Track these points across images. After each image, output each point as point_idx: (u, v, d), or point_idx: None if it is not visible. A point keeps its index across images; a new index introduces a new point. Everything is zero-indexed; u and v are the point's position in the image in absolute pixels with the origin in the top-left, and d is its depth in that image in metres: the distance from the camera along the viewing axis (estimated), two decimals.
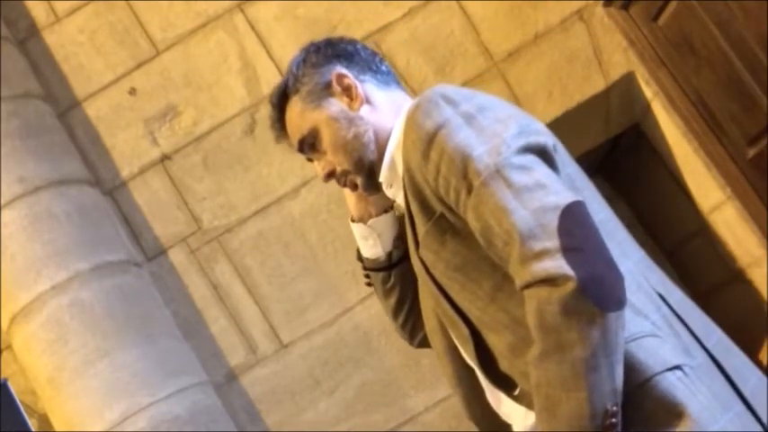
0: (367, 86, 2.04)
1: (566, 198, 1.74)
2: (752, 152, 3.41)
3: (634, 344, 1.77)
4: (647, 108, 3.80)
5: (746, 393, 1.85)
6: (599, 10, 3.70)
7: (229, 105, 3.76)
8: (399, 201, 2.04)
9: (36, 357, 3.46)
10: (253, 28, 3.78)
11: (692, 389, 1.76)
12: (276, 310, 3.69)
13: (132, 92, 3.79)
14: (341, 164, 2.03)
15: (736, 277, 3.83)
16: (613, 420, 1.70)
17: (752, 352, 4.00)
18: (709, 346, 1.86)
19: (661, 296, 1.88)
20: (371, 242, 2.16)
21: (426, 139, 1.85)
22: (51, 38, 3.82)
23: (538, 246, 1.71)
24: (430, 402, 3.63)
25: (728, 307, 4.13)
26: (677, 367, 1.77)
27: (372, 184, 2.05)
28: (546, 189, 1.75)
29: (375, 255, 2.17)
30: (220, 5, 3.79)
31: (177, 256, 3.72)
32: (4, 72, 3.62)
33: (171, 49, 3.80)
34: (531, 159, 1.80)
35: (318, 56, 2.07)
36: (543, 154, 1.83)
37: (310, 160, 2.11)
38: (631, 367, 1.75)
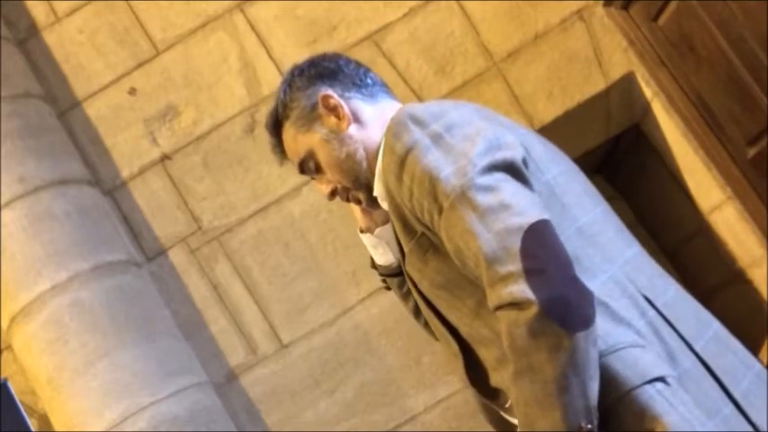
0: (353, 103, 2.06)
1: (529, 218, 1.74)
2: (752, 152, 3.41)
3: (614, 356, 1.78)
4: (647, 108, 3.80)
5: (737, 394, 1.84)
6: (599, 10, 3.70)
7: (229, 105, 3.77)
8: None
9: (36, 357, 3.46)
10: (253, 28, 3.78)
11: (672, 401, 1.76)
12: (276, 310, 3.69)
13: (132, 92, 3.79)
14: (340, 182, 2.06)
15: (736, 277, 3.83)
16: None
17: (752, 352, 4.00)
18: (698, 347, 1.86)
19: (648, 299, 1.87)
20: (381, 250, 2.19)
21: (398, 162, 1.87)
22: (51, 38, 3.82)
23: (502, 270, 1.72)
24: (430, 402, 3.63)
25: (728, 307, 4.12)
26: (658, 379, 1.77)
27: (374, 199, 2.07)
28: (510, 209, 1.76)
29: (387, 262, 2.20)
30: (220, 5, 3.79)
31: (177, 256, 3.72)
32: (4, 72, 3.62)
33: (171, 49, 3.80)
34: (498, 178, 1.80)
35: (302, 79, 2.11)
36: (511, 169, 1.82)
37: (313, 178, 2.14)
38: (610, 380, 1.76)
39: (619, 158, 4.43)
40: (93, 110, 3.80)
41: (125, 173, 3.77)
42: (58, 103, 3.79)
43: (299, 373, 3.66)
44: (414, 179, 1.84)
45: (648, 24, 3.58)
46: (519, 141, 1.90)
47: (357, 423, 3.63)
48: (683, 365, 1.82)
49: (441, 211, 1.82)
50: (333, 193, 2.09)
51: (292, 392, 3.65)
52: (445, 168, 1.82)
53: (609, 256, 1.88)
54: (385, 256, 2.18)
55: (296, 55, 3.73)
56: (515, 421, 1.99)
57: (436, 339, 2.25)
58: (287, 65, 3.74)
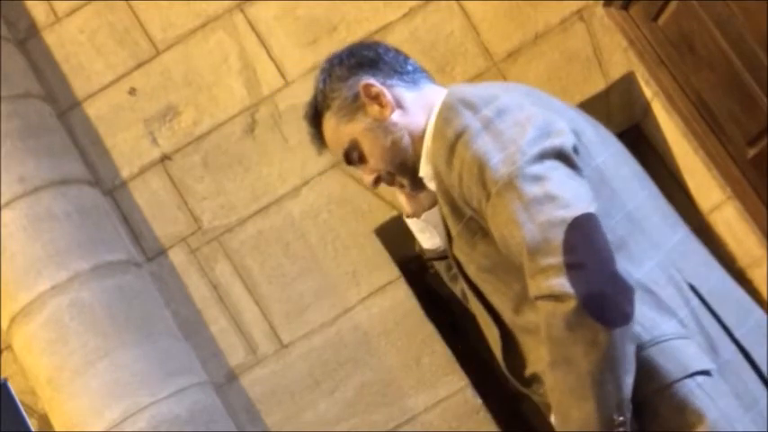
0: (395, 90, 2.06)
1: (574, 211, 1.75)
2: (752, 152, 3.41)
3: (656, 348, 1.79)
4: (647, 108, 3.80)
5: None
6: (599, 10, 3.70)
7: (229, 105, 3.76)
8: None
9: (36, 357, 3.46)
10: (253, 28, 3.78)
11: (713, 395, 1.77)
12: (276, 310, 3.69)
13: (132, 92, 3.79)
14: (385, 169, 2.07)
15: (736, 277, 3.81)
16: (621, 430, 1.72)
17: None
18: (739, 335, 1.86)
19: (693, 287, 1.88)
20: (428, 234, 2.19)
21: (448, 147, 1.88)
22: (51, 38, 3.82)
23: (543, 261, 1.73)
24: (430, 402, 3.63)
25: None
26: (699, 373, 1.78)
27: (418, 183, 2.07)
28: (555, 201, 1.76)
29: (434, 245, 2.20)
30: (220, 5, 3.79)
31: (177, 256, 3.72)
32: (4, 72, 3.61)
33: (171, 49, 3.80)
34: (547, 165, 1.81)
35: (342, 68, 2.08)
36: (561, 157, 1.83)
37: (356, 167, 2.13)
38: (651, 372, 1.78)
39: None
40: (93, 110, 3.80)
41: (125, 173, 3.77)
42: (58, 103, 3.79)
43: (299, 373, 3.66)
44: (464, 164, 1.85)
45: (648, 24, 3.57)
46: (570, 127, 1.90)
47: (357, 423, 3.63)
48: (723, 356, 1.83)
49: (488, 197, 1.82)
50: (377, 181, 2.09)
51: (292, 392, 3.65)
52: (495, 155, 1.82)
53: (656, 243, 1.89)
54: (432, 240, 2.19)
55: (296, 55, 3.74)
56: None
57: None
58: (287, 65, 3.76)
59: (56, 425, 3.49)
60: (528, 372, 1.98)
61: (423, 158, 2.01)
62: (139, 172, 3.77)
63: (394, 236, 3.75)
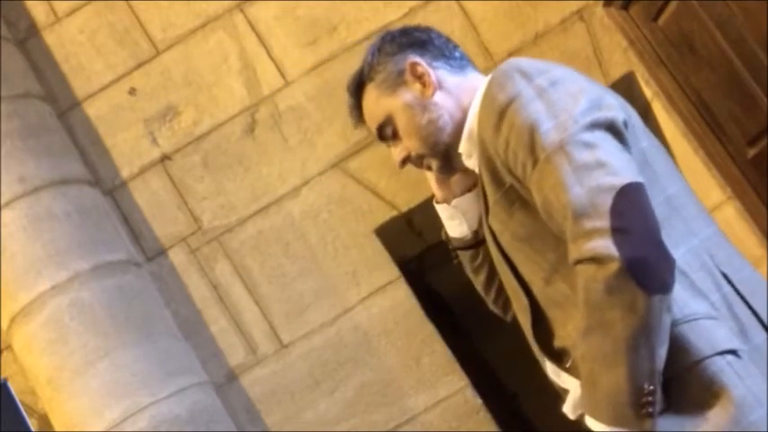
0: (440, 73, 2.08)
1: (623, 179, 1.76)
2: (752, 152, 3.41)
3: (687, 325, 1.80)
4: (647, 108, 3.80)
5: None
6: (599, 10, 3.70)
7: (229, 105, 3.77)
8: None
9: (36, 357, 3.46)
10: (253, 28, 3.78)
11: (741, 373, 1.78)
12: (276, 310, 3.69)
13: (132, 92, 3.79)
14: (416, 149, 2.08)
15: None
16: (650, 399, 1.73)
17: None
18: None
19: (725, 275, 1.90)
20: (457, 222, 2.20)
21: (498, 112, 1.89)
22: (51, 38, 3.82)
23: (589, 224, 1.74)
24: (430, 402, 3.63)
25: None
26: (728, 352, 1.80)
27: (448, 166, 2.10)
28: (605, 168, 1.78)
29: (461, 233, 2.21)
30: (220, 5, 3.79)
31: (177, 256, 3.72)
32: (4, 72, 3.62)
33: (171, 49, 3.80)
34: (598, 136, 1.82)
35: (393, 45, 2.11)
36: (612, 129, 1.85)
37: (388, 146, 2.15)
38: (682, 348, 1.79)
39: None
40: (93, 110, 3.80)
41: (125, 173, 3.77)
42: (58, 103, 3.79)
43: (299, 373, 3.66)
44: (512, 129, 1.87)
45: (648, 24, 3.58)
46: (620, 104, 1.93)
47: (357, 423, 3.63)
48: (754, 341, 1.85)
49: (536, 162, 1.83)
50: (405, 161, 2.11)
51: (292, 392, 3.66)
52: (546, 122, 1.84)
53: (692, 229, 1.92)
54: (460, 228, 2.20)
55: (296, 55, 3.74)
56: (570, 384, 2.00)
57: (504, 316, 2.26)
58: (287, 65, 3.76)
59: (56, 425, 3.49)
60: (556, 345, 1.99)
61: (464, 135, 2.03)
62: (139, 172, 3.77)
63: (394, 236, 3.76)
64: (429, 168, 2.12)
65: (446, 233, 2.25)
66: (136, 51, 3.80)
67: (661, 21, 3.51)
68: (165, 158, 3.76)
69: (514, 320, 2.22)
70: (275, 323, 3.68)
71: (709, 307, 1.84)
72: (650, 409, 1.74)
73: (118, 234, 3.65)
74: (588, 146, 1.81)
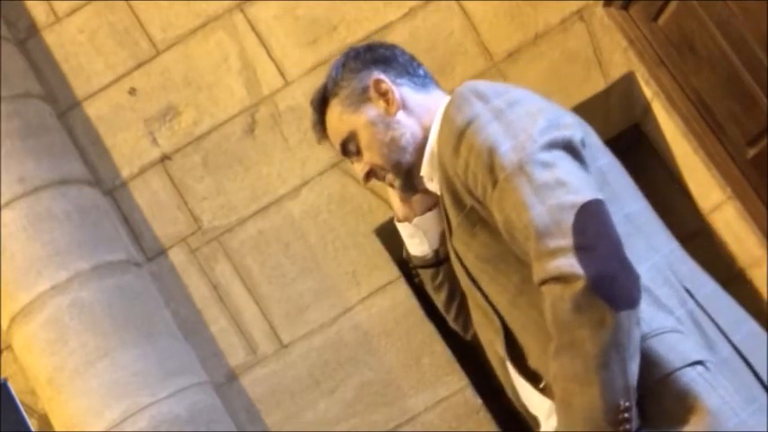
0: (404, 90, 2.09)
1: (583, 196, 1.76)
2: (752, 152, 3.41)
3: (656, 339, 1.80)
4: (647, 108, 3.80)
5: None
6: (599, 10, 3.70)
7: (229, 105, 3.77)
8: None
9: (36, 357, 3.46)
10: (253, 28, 3.78)
11: (713, 383, 1.78)
12: (276, 310, 3.69)
13: (132, 92, 3.79)
14: (379, 164, 2.09)
15: (736, 277, 3.83)
16: (626, 416, 1.72)
17: None
18: (735, 339, 1.87)
19: (688, 291, 1.90)
20: (418, 240, 2.20)
21: (457, 134, 1.89)
22: (51, 38, 3.82)
23: (552, 243, 1.73)
24: (430, 402, 3.63)
25: None
26: (698, 363, 1.79)
27: (410, 185, 2.10)
28: (565, 187, 1.77)
29: (422, 252, 2.21)
30: (220, 5, 3.79)
31: (177, 256, 3.72)
32: (4, 72, 3.61)
33: (171, 49, 3.80)
34: (556, 155, 1.82)
35: (357, 61, 2.13)
36: (570, 149, 1.85)
37: (351, 162, 2.16)
38: (652, 362, 1.78)
39: (619, 158, 4.42)
40: (93, 110, 3.80)
41: (125, 173, 3.77)
42: (58, 103, 3.79)
43: (299, 373, 3.66)
44: (471, 151, 1.86)
45: (648, 24, 3.57)
46: (578, 123, 1.94)
47: (357, 423, 3.63)
48: (721, 354, 1.84)
49: (495, 183, 1.83)
50: (368, 175, 2.12)
51: (292, 392, 3.65)
52: (505, 143, 1.84)
53: (653, 245, 1.92)
54: (421, 246, 2.20)
55: (296, 55, 3.74)
56: (540, 412, 2.00)
57: (464, 334, 2.25)
58: (287, 65, 3.76)
59: (56, 425, 3.49)
60: (528, 364, 1.98)
61: (425, 158, 2.03)
62: (139, 172, 3.77)
63: (394, 236, 3.74)
64: (392, 186, 2.12)
65: (407, 251, 2.25)
66: (136, 51, 3.80)
67: (661, 21, 3.51)
68: (165, 158, 3.76)
69: (474, 337, 2.22)
70: (275, 323, 3.68)
71: (675, 321, 1.83)
72: (627, 426, 1.73)
73: (118, 234, 3.65)
74: (547, 165, 1.80)
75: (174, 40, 3.80)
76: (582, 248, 1.70)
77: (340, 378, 3.66)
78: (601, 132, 4.20)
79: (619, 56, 3.70)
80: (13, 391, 3.37)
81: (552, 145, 1.83)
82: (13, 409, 3.33)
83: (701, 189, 3.78)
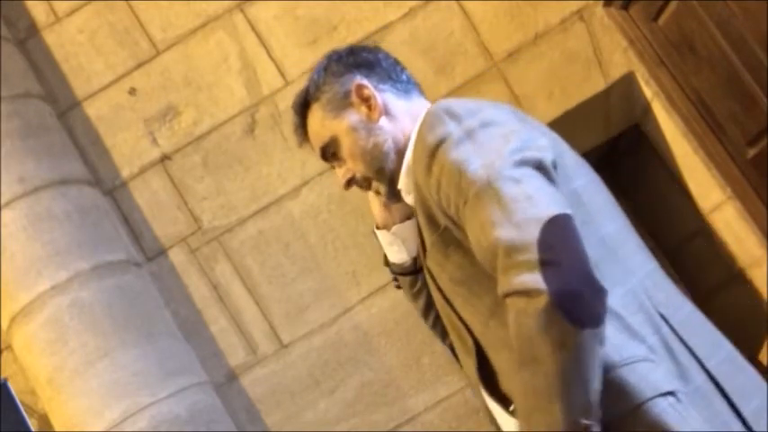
0: (386, 96, 2.07)
1: (550, 211, 1.73)
2: (752, 152, 3.41)
3: (627, 368, 1.77)
4: (647, 108, 3.80)
5: (747, 413, 1.83)
6: (599, 10, 3.70)
7: (229, 105, 3.77)
8: None
9: (36, 357, 3.46)
10: (253, 28, 3.78)
11: (684, 414, 1.76)
12: (276, 310, 3.69)
13: (132, 92, 3.79)
14: (361, 171, 2.07)
15: (736, 277, 3.83)
16: None
17: (752, 352, 4.00)
18: (710, 365, 1.85)
19: (663, 316, 1.86)
20: (396, 248, 2.19)
21: (428, 154, 1.87)
22: (51, 38, 3.82)
23: (518, 257, 1.70)
24: (430, 402, 3.63)
25: (728, 307, 4.12)
26: (669, 393, 1.77)
27: (394, 192, 2.07)
28: (532, 201, 1.75)
29: (401, 260, 2.20)
30: (220, 5, 3.79)
31: (177, 256, 3.72)
32: (4, 72, 3.62)
33: (171, 49, 3.80)
34: (526, 172, 1.80)
35: (339, 65, 2.10)
36: (540, 168, 1.82)
37: (332, 167, 2.13)
38: (623, 392, 1.76)
39: (619, 158, 4.43)
40: (93, 110, 3.80)
41: (125, 173, 3.77)
42: (58, 103, 3.79)
43: (299, 373, 3.66)
44: (443, 170, 1.84)
45: (648, 24, 3.57)
46: (551, 145, 1.90)
47: (357, 423, 3.63)
48: (694, 383, 1.82)
49: (466, 201, 1.81)
50: (349, 182, 2.10)
51: (292, 392, 3.66)
52: (475, 161, 1.81)
53: (629, 269, 1.88)
54: (399, 255, 2.18)
55: (296, 55, 3.74)
56: (514, 429, 1.99)
57: (443, 341, 2.24)
58: (287, 65, 3.76)
59: (56, 425, 3.49)
60: (498, 385, 1.96)
61: (403, 170, 2.01)
62: (139, 172, 3.77)
63: None
64: (378, 193, 2.10)
65: (386, 258, 2.24)
66: (136, 51, 3.80)
67: (661, 21, 3.51)
68: (165, 158, 3.76)
69: (452, 345, 2.20)
70: (275, 323, 3.68)
71: (647, 350, 1.81)
72: None
73: (118, 234, 3.65)
74: (516, 181, 1.77)
75: (174, 40, 3.80)
76: (547, 263, 1.67)
77: (340, 378, 3.66)
78: (601, 132, 4.24)
79: (619, 56, 3.70)
80: (13, 391, 3.37)
81: (522, 163, 1.80)
82: (13, 409, 3.33)
83: (701, 189, 3.78)
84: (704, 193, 3.77)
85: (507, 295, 1.72)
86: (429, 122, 1.89)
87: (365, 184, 2.09)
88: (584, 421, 1.69)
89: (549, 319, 1.66)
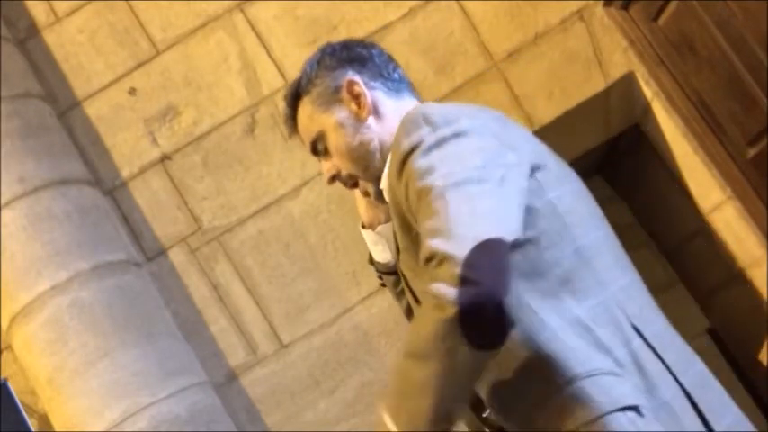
0: (376, 94, 2.05)
1: (488, 234, 1.71)
2: (752, 152, 3.41)
3: (588, 380, 1.77)
4: (647, 108, 3.80)
5: (719, 430, 1.81)
6: (599, 10, 3.70)
7: (229, 105, 3.77)
8: None
9: (36, 357, 3.46)
10: (253, 28, 3.78)
11: (643, 430, 1.74)
12: (276, 310, 3.69)
13: (132, 92, 3.79)
14: (347, 169, 2.06)
15: (736, 277, 3.83)
16: None
17: (752, 352, 4.00)
18: (684, 380, 1.83)
19: (636, 328, 1.85)
20: (381, 247, 2.18)
21: (400, 159, 1.86)
22: (51, 38, 3.82)
23: (445, 268, 1.69)
24: None
25: (728, 307, 4.12)
26: (631, 408, 1.75)
27: (380, 192, 2.06)
28: (475, 219, 1.74)
29: (385, 259, 2.19)
30: (220, 5, 3.79)
31: (177, 256, 3.72)
32: (4, 72, 3.61)
33: (171, 49, 3.80)
34: (483, 189, 1.78)
35: (333, 59, 2.09)
36: (502, 183, 1.80)
37: (320, 161, 2.12)
38: (582, 404, 1.75)
39: (619, 158, 4.43)
40: (93, 110, 3.80)
41: (125, 173, 3.77)
42: (58, 103, 3.79)
43: (299, 373, 3.66)
44: (410, 176, 1.83)
45: (648, 24, 3.58)
46: (531, 156, 1.88)
47: (357, 423, 3.63)
48: (662, 397, 1.80)
49: (419, 205, 1.80)
50: (333, 178, 2.08)
51: (292, 392, 3.65)
52: (438, 170, 1.80)
53: (602, 281, 1.86)
54: (384, 254, 2.18)
55: (296, 55, 3.74)
56: None
57: None
58: (287, 65, 3.76)
59: (56, 425, 3.49)
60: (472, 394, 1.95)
61: (385, 171, 2.00)
62: (139, 172, 3.77)
63: None
64: (366, 193, 2.09)
65: (371, 257, 2.24)
66: (136, 51, 3.80)
67: (661, 21, 3.51)
68: (165, 158, 3.76)
69: None
70: (275, 323, 3.68)
71: (613, 363, 1.79)
72: None
73: (118, 234, 3.65)
74: (469, 197, 1.76)
75: (174, 40, 3.80)
76: (467, 281, 1.66)
77: (340, 378, 3.66)
78: (601, 132, 4.24)
79: (619, 56, 3.70)
80: (13, 391, 3.37)
81: (482, 180, 1.78)
82: (13, 409, 3.33)
83: (701, 189, 3.78)
84: (704, 193, 3.77)
85: (424, 293, 1.73)
86: (405, 128, 1.88)
87: (351, 182, 2.08)
88: (444, 425, 1.72)
89: (449, 330, 1.67)
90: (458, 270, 1.67)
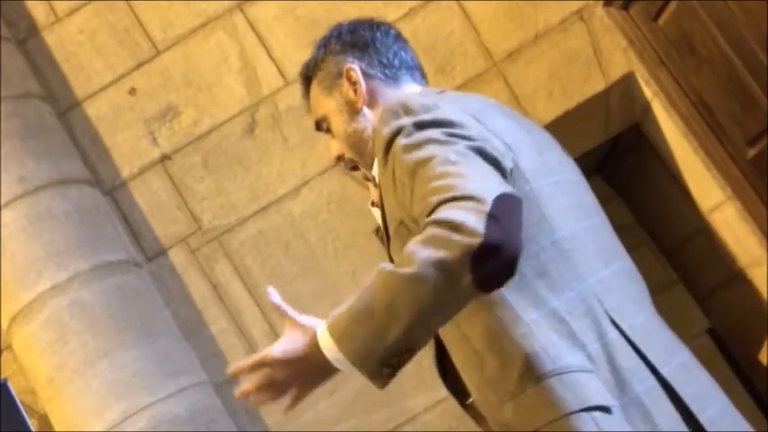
0: (372, 83, 2.07)
1: (502, 189, 1.71)
2: (752, 152, 3.41)
3: (557, 378, 1.76)
4: (647, 108, 3.80)
5: (703, 419, 1.80)
6: (599, 10, 3.70)
7: (229, 105, 3.77)
8: None
9: (36, 357, 3.46)
10: (253, 28, 3.78)
11: (606, 431, 1.73)
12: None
13: (132, 92, 3.79)
14: (346, 153, 2.09)
15: (736, 277, 3.83)
16: (397, 361, 1.77)
17: (752, 352, 4.00)
18: (664, 371, 1.82)
19: (614, 321, 1.83)
20: None
21: (384, 147, 1.87)
22: (51, 38, 3.82)
23: (469, 202, 1.66)
24: (430, 402, 3.63)
25: (728, 307, 4.12)
26: (598, 408, 1.74)
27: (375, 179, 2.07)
28: (487, 175, 1.73)
29: None
30: (220, 5, 3.79)
31: (177, 256, 3.72)
32: (4, 72, 3.62)
33: (171, 49, 3.80)
34: (473, 158, 1.77)
35: (338, 42, 2.14)
36: (487, 158, 1.80)
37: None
38: (548, 402, 1.74)
39: (618, 158, 4.43)
40: (93, 110, 3.80)
41: (125, 173, 3.77)
42: (58, 103, 3.79)
43: None
44: (396, 161, 1.84)
45: (648, 24, 3.58)
46: (509, 148, 1.87)
47: (357, 423, 3.62)
48: (633, 392, 1.79)
49: (414, 176, 1.79)
50: (338, 159, 2.12)
51: None
52: (425, 149, 1.80)
53: (579, 274, 1.85)
54: None
55: (296, 55, 3.74)
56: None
57: None
58: (287, 65, 3.76)
59: (56, 425, 3.49)
60: (458, 383, 1.96)
61: (376, 159, 2.00)
62: (139, 172, 3.77)
63: None
64: (366, 179, 2.11)
65: (377, 229, 2.25)
66: (136, 51, 3.80)
67: (661, 21, 3.51)
68: (165, 158, 3.77)
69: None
70: (275, 323, 3.68)
71: (585, 358, 1.78)
72: (389, 371, 1.78)
73: (118, 234, 3.65)
74: (473, 159, 1.76)
75: (174, 40, 3.80)
76: (496, 220, 1.64)
77: (340, 378, 3.63)
78: (601, 132, 4.24)
79: (619, 56, 3.70)
80: (13, 391, 3.38)
81: (469, 152, 1.79)
82: (13, 409, 3.33)
83: (701, 189, 3.78)
84: (704, 193, 3.77)
85: (436, 222, 1.67)
86: (384, 118, 1.89)
87: (351, 165, 2.11)
88: (404, 353, 1.74)
89: (462, 256, 1.63)
90: (485, 207, 1.65)
